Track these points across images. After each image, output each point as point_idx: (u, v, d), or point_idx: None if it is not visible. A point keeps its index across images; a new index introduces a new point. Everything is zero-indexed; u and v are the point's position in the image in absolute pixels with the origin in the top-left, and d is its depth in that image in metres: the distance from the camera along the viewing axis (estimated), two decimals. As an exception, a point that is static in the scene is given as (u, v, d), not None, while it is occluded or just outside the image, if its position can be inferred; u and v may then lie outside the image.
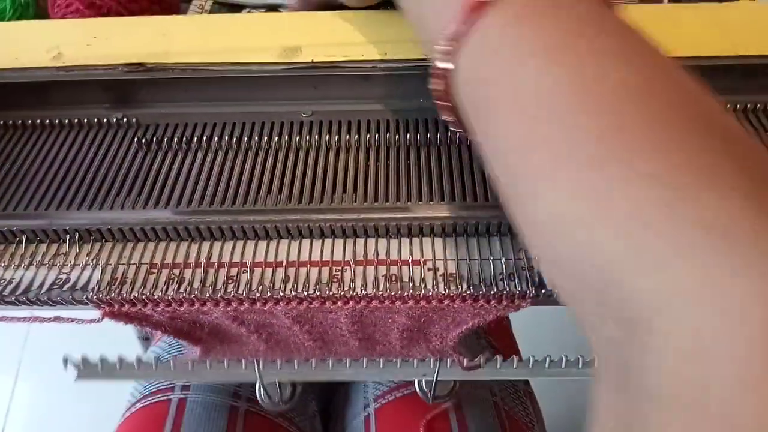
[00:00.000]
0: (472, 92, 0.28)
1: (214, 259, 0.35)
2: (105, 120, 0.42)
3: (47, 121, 0.42)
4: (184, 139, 0.41)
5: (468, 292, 0.33)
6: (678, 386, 0.19)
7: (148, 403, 0.57)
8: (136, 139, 0.41)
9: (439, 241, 0.36)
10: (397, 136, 0.40)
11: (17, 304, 0.34)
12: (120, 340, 0.76)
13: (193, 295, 0.33)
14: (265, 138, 0.40)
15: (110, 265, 0.35)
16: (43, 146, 0.41)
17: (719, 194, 0.20)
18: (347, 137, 0.40)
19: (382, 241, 0.36)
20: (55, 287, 0.34)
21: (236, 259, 0.35)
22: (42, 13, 0.50)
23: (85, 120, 0.42)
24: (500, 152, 0.27)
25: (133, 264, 0.35)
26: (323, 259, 0.35)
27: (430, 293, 0.33)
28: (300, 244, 0.36)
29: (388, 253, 0.35)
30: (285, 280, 0.34)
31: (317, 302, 0.33)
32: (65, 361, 0.44)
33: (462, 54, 0.27)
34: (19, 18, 0.49)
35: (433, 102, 0.30)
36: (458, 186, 0.37)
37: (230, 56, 0.41)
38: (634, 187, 0.21)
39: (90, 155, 0.40)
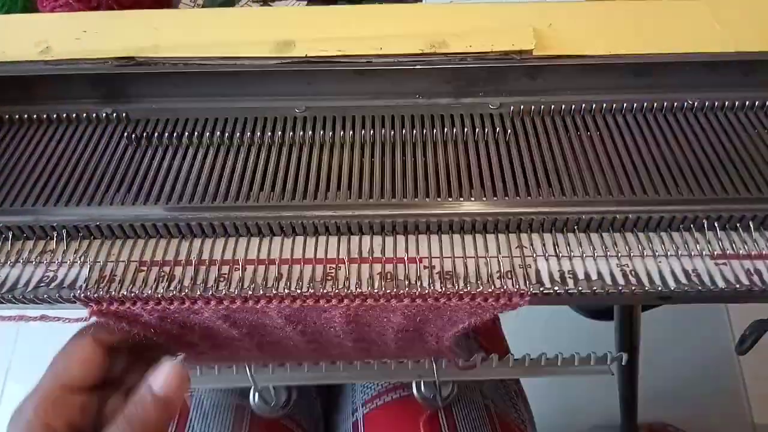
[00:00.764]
0: None
1: (206, 256, 0.34)
2: (94, 115, 0.41)
3: (35, 115, 0.41)
4: (175, 134, 0.40)
5: (465, 290, 0.32)
6: None
7: None
8: (125, 134, 0.40)
9: (435, 238, 0.35)
10: (392, 133, 0.39)
11: (3, 302, 0.33)
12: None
13: (183, 293, 0.32)
14: (258, 134, 0.40)
15: (99, 262, 0.34)
16: (30, 141, 0.40)
17: None
18: (341, 133, 0.39)
19: (377, 239, 0.35)
20: (42, 285, 0.33)
21: (228, 256, 0.34)
22: (31, 7, 0.49)
23: (74, 115, 0.41)
24: None
25: (122, 261, 0.34)
26: (317, 257, 0.34)
27: (426, 291, 0.32)
28: (293, 241, 0.35)
29: (383, 251, 0.34)
30: (278, 278, 0.33)
31: (311, 300, 0.33)
32: None
33: None
34: (7, 12, 0.48)
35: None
36: (455, 183, 0.36)
37: (222, 50, 0.40)
38: None
39: (78, 150, 0.39)
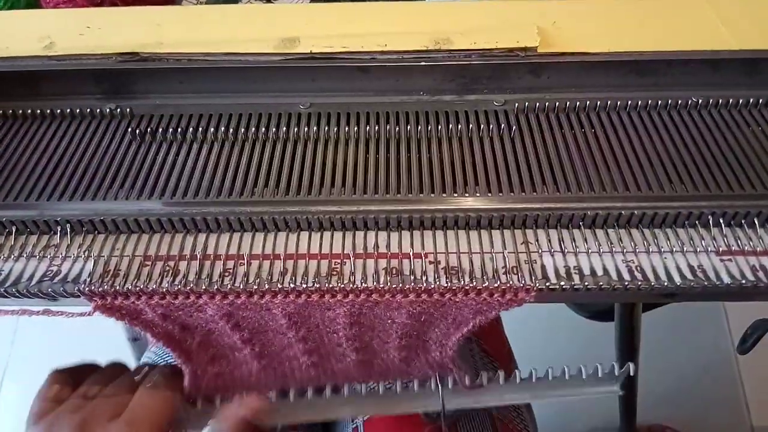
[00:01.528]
0: None
1: (210, 251, 0.34)
2: (98, 110, 0.41)
3: (38, 111, 0.41)
4: (179, 130, 0.40)
5: (470, 285, 0.32)
6: None
7: None
8: (129, 129, 0.40)
9: (440, 234, 0.35)
10: (397, 129, 0.39)
11: (6, 296, 0.33)
12: (109, 340, 0.75)
13: (188, 288, 0.32)
14: (262, 129, 0.40)
15: (103, 257, 0.34)
16: (34, 136, 0.40)
17: None
18: (346, 129, 0.39)
19: (382, 234, 0.35)
20: (45, 279, 0.33)
21: (233, 251, 0.34)
22: (34, 3, 0.49)
23: (78, 110, 0.41)
24: None
25: (127, 256, 0.34)
26: (322, 252, 0.34)
27: (432, 286, 0.32)
28: (298, 236, 0.35)
29: (388, 246, 0.34)
30: (283, 273, 0.33)
31: (316, 295, 0.32)
32: None
33: None
34: (11, 7, 0.48)
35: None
36: (459, 179, 0.36)
37: (226, 47, 0.40)
38: None
39: (82, 146, 0.39)
